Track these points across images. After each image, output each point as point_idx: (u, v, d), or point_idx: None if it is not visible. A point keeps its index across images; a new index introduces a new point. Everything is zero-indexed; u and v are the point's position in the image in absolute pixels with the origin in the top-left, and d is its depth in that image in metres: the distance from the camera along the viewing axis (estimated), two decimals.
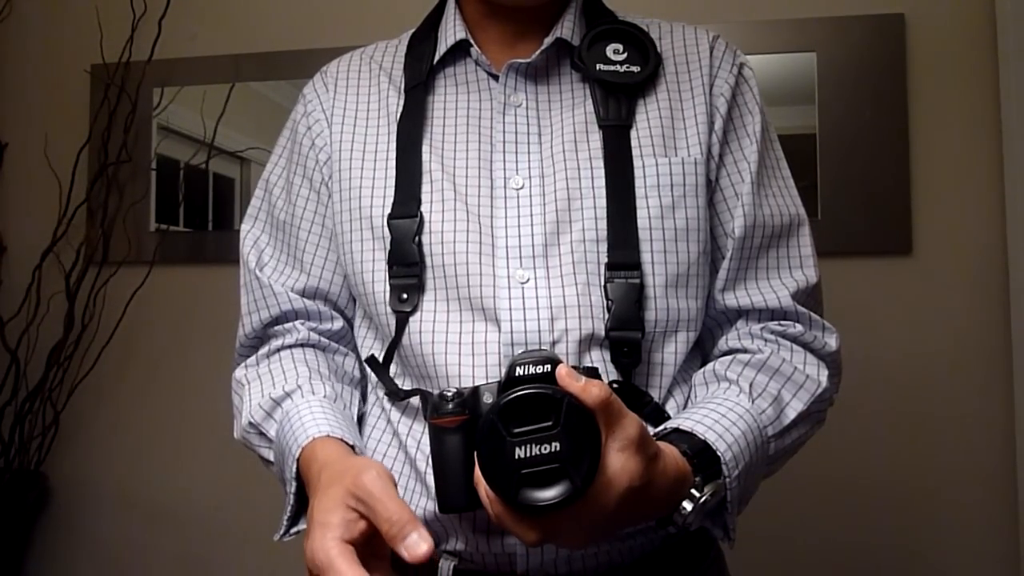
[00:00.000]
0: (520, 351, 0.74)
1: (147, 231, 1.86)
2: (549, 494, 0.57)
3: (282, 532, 0.76)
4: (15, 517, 1.79)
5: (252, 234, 0.91)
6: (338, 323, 0.89)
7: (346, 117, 0.87)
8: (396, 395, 0.80)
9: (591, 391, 0.58)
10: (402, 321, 0.79)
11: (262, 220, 0.91)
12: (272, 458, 0.81)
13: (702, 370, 0.81)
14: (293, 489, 0.74)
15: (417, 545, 0.59)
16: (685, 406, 0.80)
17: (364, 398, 0.88)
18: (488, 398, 0.65)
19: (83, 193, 1.85)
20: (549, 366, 0.60)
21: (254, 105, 1.84)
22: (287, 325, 0.87)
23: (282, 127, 0.95)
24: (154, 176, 1.87)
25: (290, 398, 0.80)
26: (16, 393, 1.81)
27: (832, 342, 0.82)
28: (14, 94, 1.95)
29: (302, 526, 0.75)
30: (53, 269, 1.85)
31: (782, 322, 0.82)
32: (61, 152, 1.85)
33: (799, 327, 0.81)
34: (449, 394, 0.66)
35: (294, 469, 0.74)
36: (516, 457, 0.57)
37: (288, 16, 1.83)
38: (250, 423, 0.82)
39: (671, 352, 0.79)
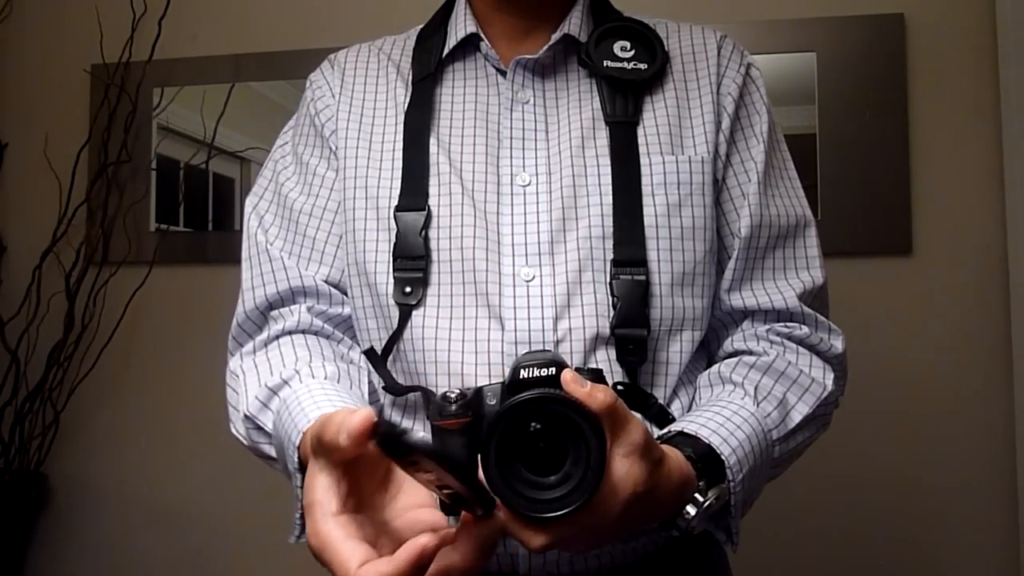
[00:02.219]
0: (524, 351, 0.74)
1: (147, 231, 1.86)
2: None
3: (297, 534, 0.70)
4: (15, 517, 1.78)
5: (258, 211, 0.87)
6: (348, 309, 0.85)
7: (353, 104, 0.87)
8: (395, 390, 0.78)
9: (596, 396, 0.58)
10: (405, 314, 0.78)
11: (268, 199, 0.87)
12: (275, 454, 0.74)
13: (707, 372, 0.81)
14: (298, 482, 0.66)
15: (351, 421, 0.52)
16: (690, 407, 0.80)
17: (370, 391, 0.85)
18: (492, 399, 0.64)
19: (83, 193, 1.85)
20: (554, 369, 0.60)
21: (254, 105, 1.84)
22: (290, 307, 0.83)
23: (282, 127, 0.93)
24: (154, 176, 1.87)
25: (288, 385, 0.74)
26: (16, 393, 1.81)
27: (838, 344, 0.82)
28: (14, 94, 1.95)
29: None
30: (53, 269, 1.85)
31: (788, 324, 0.82)
32: (61, 152, 1.85)
33: (805, 329, 0.81)
34: (452, 395, 0.65)
35: (295, 459, 0.66)
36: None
37: (288, 16, 1.83)
38: (246, 417, 0.76)
39: (676, 351, 0.79)
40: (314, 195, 0.85)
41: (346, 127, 0.85)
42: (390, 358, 0.80)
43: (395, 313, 0.78)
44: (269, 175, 0.89)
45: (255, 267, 0.85)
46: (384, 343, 0.80)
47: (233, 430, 0.81)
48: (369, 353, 0.81)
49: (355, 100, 0.87)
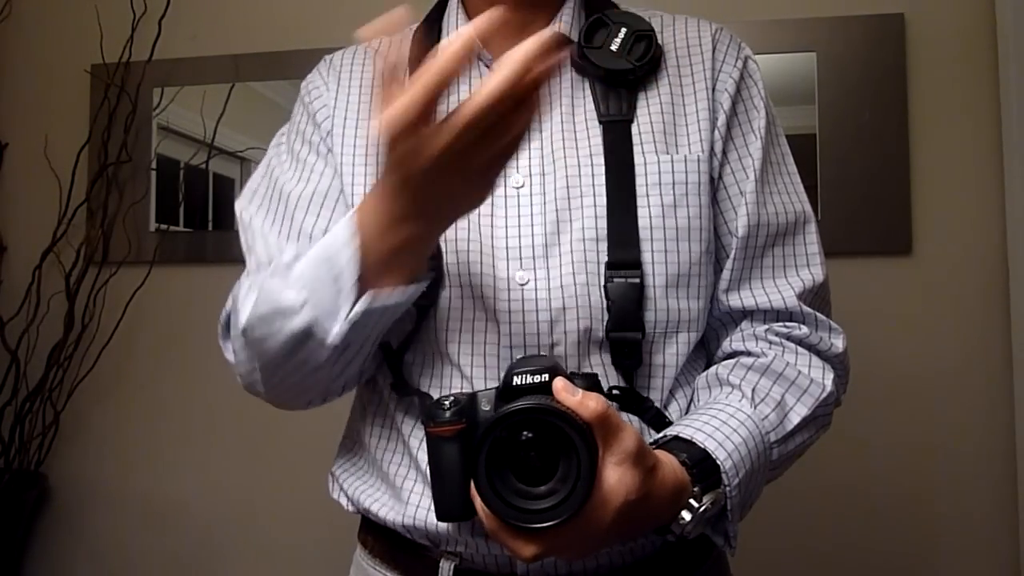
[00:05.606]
0: (520, 355, 0.74)
1: (147, 231, 1.86)
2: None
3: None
4: (15, 517, 1.78)
5: (248, 212, 0.84)
6: None
7: (349, 105, 0.85)
8: (401, 390, 0.78)
9: (588, 405, 0.57)
10: (422, 310, 0.77)
11: (260, 184, 0.85)
12: (302, 296, 0.68)
13: (705, 374, 0.80)
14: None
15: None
16: (688, 409, 0.79)
17: (373, 390, 0.84)
18: (485, 406, 0.64)
19: (83, 193, 1.85)
20: (547, 375, 0.60)
21: (254, 105, 1.84)
22: None
23: (282, 127, 0.93)
24: (154, 176, 1.87)
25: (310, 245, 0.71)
26: (16, 393, 1.81)
27: (839, 343, 0.81)
28: (14, 94, 1.95)
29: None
30: (53, 269, 1.85)
31: (787, 324, 0.80)
32: (61, 152, 1.85)
33: (804, 329, 0.80)
34: (446, 402, 0.65)
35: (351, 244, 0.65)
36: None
37: (288, 16, 1.83)
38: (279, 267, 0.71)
39: (672, 353, 0.78)
40: (304, 181, 0.83)
41: (342, 130, 0.84)
42: (409, 353, 0.79)
43: (413, 310, 0.77)
44: (263, 171, 0.87)
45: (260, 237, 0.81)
46: (398, 338, 0.79)
47: (243, 320, 0.73)
48: (384, 347, 0.79)
49: (351, 101, 0.86)
